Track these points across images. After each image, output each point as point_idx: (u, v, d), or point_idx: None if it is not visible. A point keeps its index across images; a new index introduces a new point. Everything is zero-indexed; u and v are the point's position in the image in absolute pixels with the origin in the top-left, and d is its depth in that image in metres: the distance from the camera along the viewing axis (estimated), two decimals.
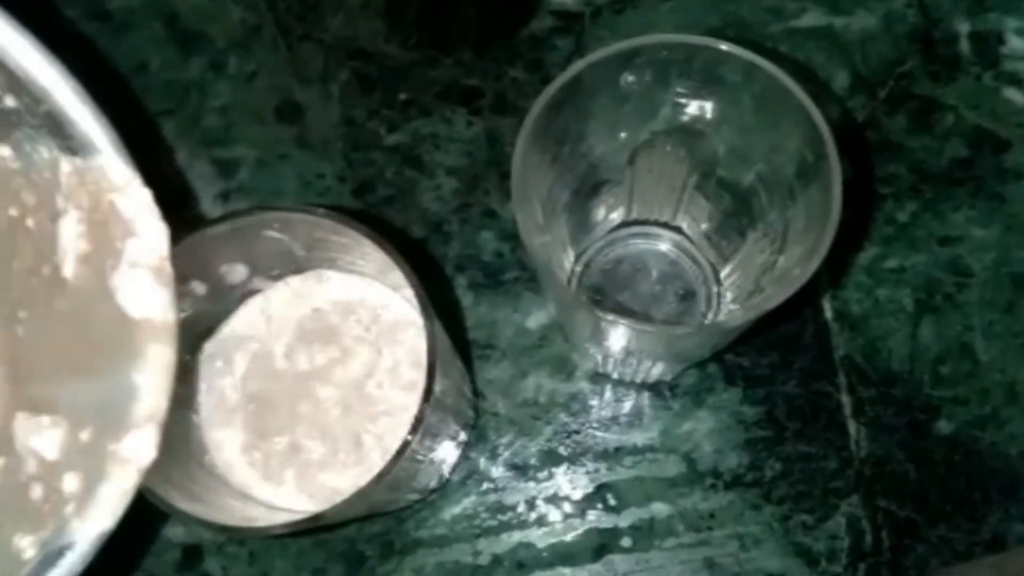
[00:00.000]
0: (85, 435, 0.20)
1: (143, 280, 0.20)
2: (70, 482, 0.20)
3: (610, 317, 0.22)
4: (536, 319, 0.34)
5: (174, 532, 0.32)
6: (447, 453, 0.30)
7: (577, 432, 0.33)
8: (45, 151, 0.21)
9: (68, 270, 0.21)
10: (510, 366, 0.34)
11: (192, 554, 0.32)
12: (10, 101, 0.21)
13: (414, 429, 0.21)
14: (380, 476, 0.21)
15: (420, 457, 0.24)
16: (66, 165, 0.21)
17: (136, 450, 0.19)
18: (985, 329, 0.34)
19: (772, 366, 0.34)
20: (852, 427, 0.33)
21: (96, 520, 0.19)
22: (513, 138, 0.36)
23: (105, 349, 0.20)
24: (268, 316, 0.27)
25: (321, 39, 0.37)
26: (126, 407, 0.20)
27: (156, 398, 0.20)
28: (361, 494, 0.22)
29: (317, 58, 0.37)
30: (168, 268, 0.20)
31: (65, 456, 0.21)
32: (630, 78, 0.25)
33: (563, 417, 0.34)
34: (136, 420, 0.19)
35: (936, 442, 0.33)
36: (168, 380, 0.20)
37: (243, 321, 0.27)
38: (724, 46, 0.24)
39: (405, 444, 0.21)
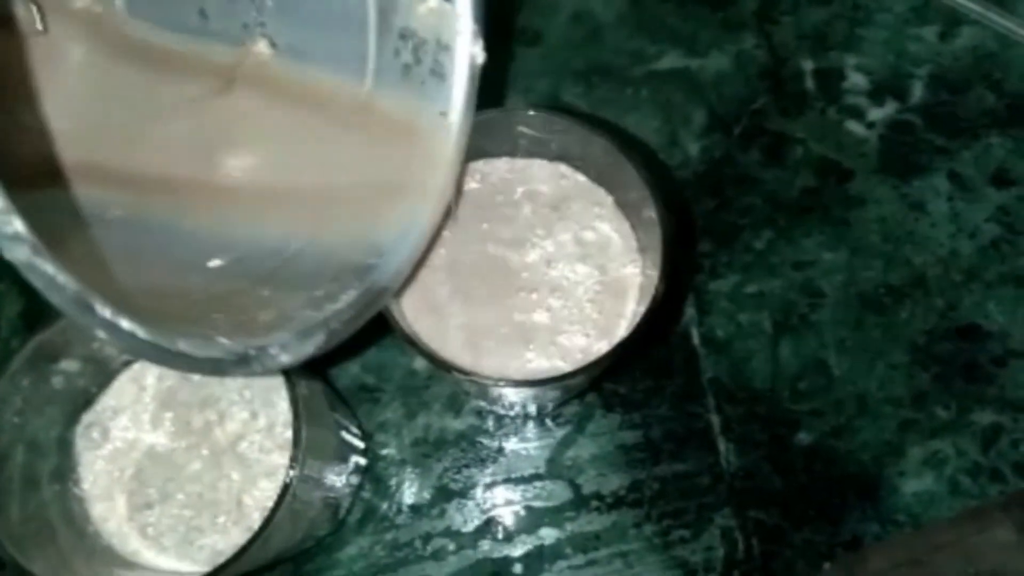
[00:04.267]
0: None
1: None
2: None
3: (480, 380, 0.24)
4: (423, 361, 0.36)
5: None
6: (338, 497, 0.31)
7: (467, 466, 0.35)
8: None
9: None
10: (400, 407, 0.35)
11: None
12: None
13: (282, 493, 0.22)
14: (253, 539, 0.22)
15: (301, 509, 0.25)
16: (430, 3, 0.25)
17: None
18: (837, 345, 0.37)
19: (647, 391, 0.36)
20: (722, 444, 0.36)
21: None
22: None
23: None
24: (143, 386, 0.28)
25: None
26: None
27: None
28: (239, 555, 0.23)
29: None
30: None
31: None
32: None
33: (454, 453, 0.35)
34: None
35: (797, 453, 0.36)
36: None
37: (118, 392, 0.27)
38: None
39: (275, 508, 0.22)
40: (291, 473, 0.22)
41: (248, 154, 0.25)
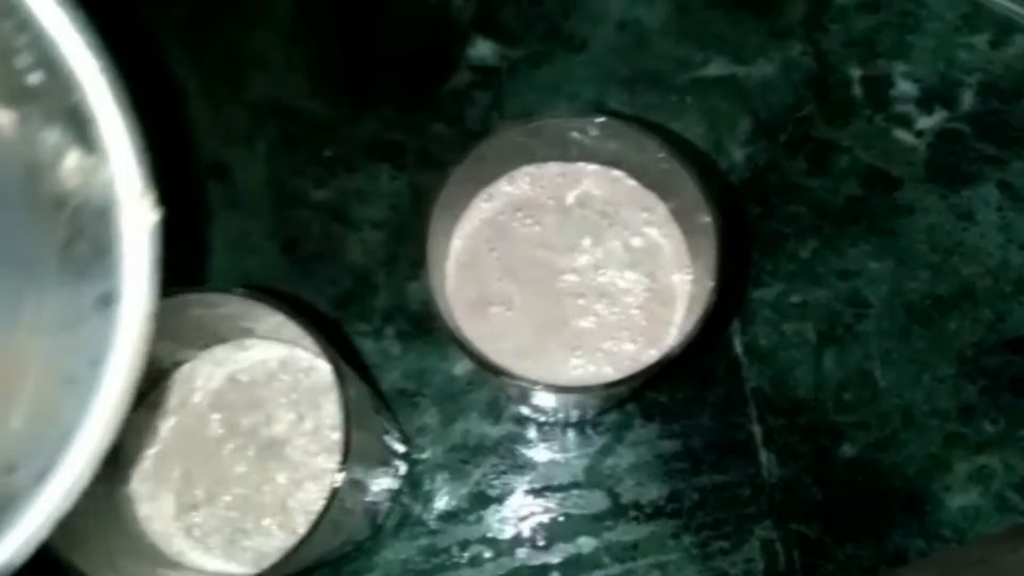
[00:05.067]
0: None
1: None
2: None
3: (526, 384, 0.24)
4: (463, 366, 0.36)
5: None
6: (378, 502, 0.31)
7: (505, 473, 0.35)
8: (53, 136, 0.21)
9: None
10: (439, 412, 0.35)
11: None
12: (36, 79, 0.21)
13: (331, 498, 0.22)
14: (301, 543, 0.22)
15: (344, 514, 0.25)
16: (72, 159, 0.21)
17: None
18: (883, 357, 0.36)
19: (687, 401, 0.36)
20: (763, 455, 0.35)
21: None
22: (436, 191, 0.38)
23: None
24: (192, 387, 0.28)
25: (245, 99, 0.38)
26: None
27: None
28: (286, 560, 0.23)
29: (243, 117, 0.38)
30: None
31: None
32: None
33: (492, 459, 0.35)
34: None
35: (840, 465, 0.35)
36: None
37: (167, 393, 0.28)
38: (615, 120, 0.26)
39: (323, 512, 0.22)
40: (339, 477, 0.22)
41: None
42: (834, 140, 0.38)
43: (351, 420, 0.23)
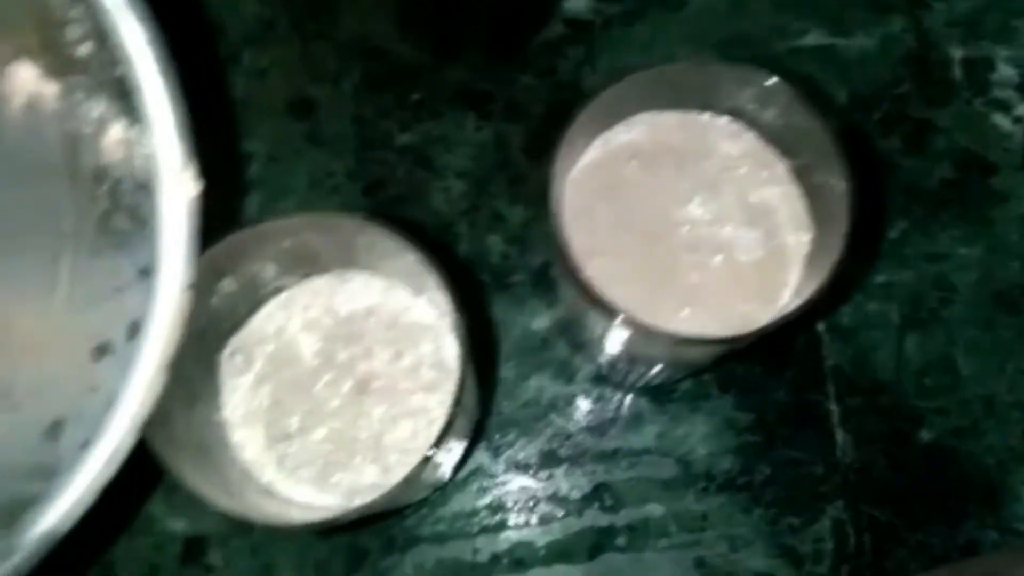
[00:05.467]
0: None
1: None
2: None
3: (631, 322, 0.23)
4: (541, 322, 0.35)
5: (176, 525, 0.33)
6: (455, 451, 0.30)
7: (576, 433, 0.34)
8: (97, 108, 0.21)
9: None
10: (514, 367, 0.35)
11: (195, 546, 0.33)
12: (85, 50, 0.21)
13: (444, 433, 0.22)
14: (408, 480, 0.22)
15: (439, 459, 0.24)
16: (115, 132, 0.21)
17: None
18: (967, 344, 0.35)
19: (764, 375, 0.35)
20: (839, 435, 0.35)
21: None
22: (521, 143, 0.37)
23: None
24: (290, 314, 0.27)
25: (334, 37, 0.37)
26: None
27: None
28: (387, 496, 0.22)
29: (330, 56, 0.37)
30: None
31: None
32: None
33: (563, 419, 0.34)
34: None
35: (917, 450, 0.34)
36: None
37: (266, 319, 0.27)
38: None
39: (436, 445, 0.22)
40: (455, 410, 0.22)
41: None
42: (931, 120, 0.37)
43: (468, 360, 0.22)
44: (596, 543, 0.33)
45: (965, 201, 0.37)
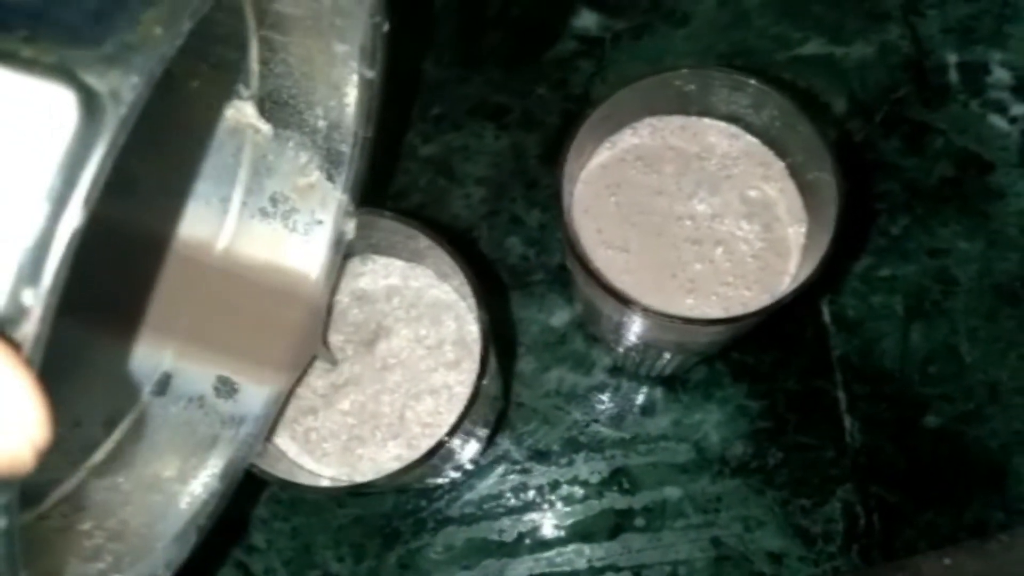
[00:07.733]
0: None
1: None
2: None
3: (639, 308, 0.25)
4: (559, 318, 0.37)
5: None
6: (480, 438, 0.32)
7: (596, 421, 0.36)
8: (303, 156, 0.26)
9: None
10: (534, 361, 0.37)
11: (238, 528, 0.35)
12: (319, 121, 0.25)
13: (468, 407, 0.24)
14: (426, 456, 0.24)
15: (459, 440, 0.26)
16: (308, 177, 0.26)
17: None
18: (969, 333, 0.37)
19: (774, 364, 0.37)
20: (847, 421, 0.36)
21: None
22: (537, 151, 0.39)
23: None
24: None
25: None
26: None
27: None
28: (405, 471, 0.24)
29: None
30: None
31: None
32: None
33: (583, 408, 0.36)
34: None
35: (924, 435, 0.36)
36: None
37: None
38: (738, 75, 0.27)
39: (458, 423, 0.24)
40: (482, 383, 0.24)
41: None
42: (929, 122, 0.39)
43: (490, 338, 0.24)
44: (616, 523, 0.35)
45: (964, 198, 0.38)
